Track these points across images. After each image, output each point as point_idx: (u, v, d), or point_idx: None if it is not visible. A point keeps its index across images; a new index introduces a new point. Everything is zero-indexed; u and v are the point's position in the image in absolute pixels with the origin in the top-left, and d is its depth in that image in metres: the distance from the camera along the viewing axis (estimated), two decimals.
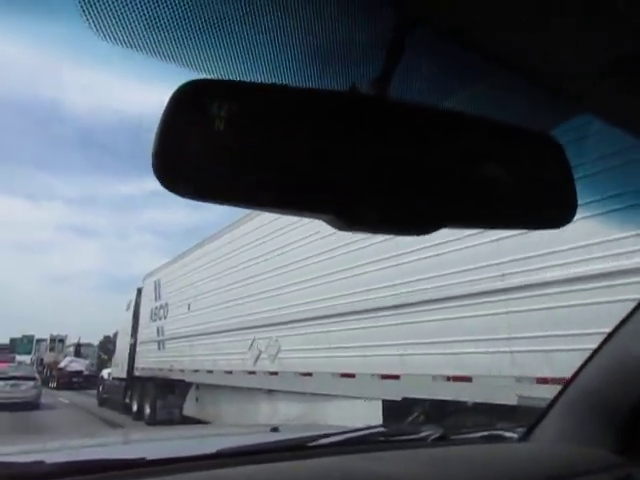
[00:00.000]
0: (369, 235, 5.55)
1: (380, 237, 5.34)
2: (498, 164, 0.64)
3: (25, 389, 16.14)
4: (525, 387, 3.95)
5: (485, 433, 1.60)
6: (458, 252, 4.66)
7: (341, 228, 0.56)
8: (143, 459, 0.96)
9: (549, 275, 3.92)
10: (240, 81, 0.60)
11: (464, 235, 4.46)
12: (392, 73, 0.61)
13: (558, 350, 3.74)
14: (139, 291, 14.88)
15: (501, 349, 4.23)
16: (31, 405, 15.60)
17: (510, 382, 4.12)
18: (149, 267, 13.98)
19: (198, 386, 10.43)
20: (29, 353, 40.69)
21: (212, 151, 0.51)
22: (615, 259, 3.51)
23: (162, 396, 11.97)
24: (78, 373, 26.90)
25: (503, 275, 4.29)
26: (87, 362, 28.41)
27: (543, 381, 3.82)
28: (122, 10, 0.54)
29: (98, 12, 0.53)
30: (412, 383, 5.01)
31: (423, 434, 1.48)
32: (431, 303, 4.93)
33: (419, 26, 0.60)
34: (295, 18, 0.59)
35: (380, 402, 5.37)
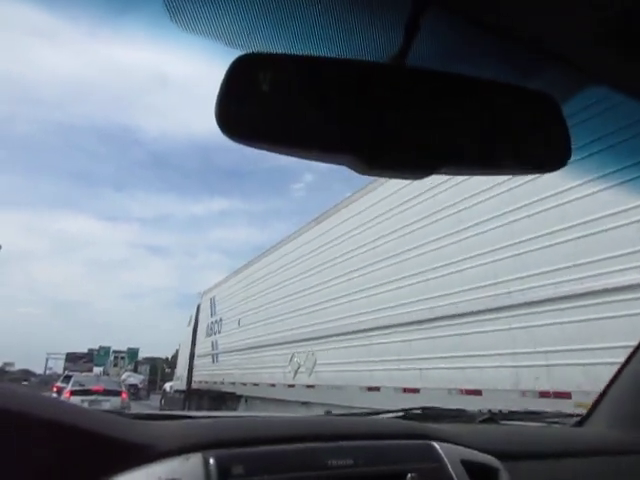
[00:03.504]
0: (402, 254, 5.90)
1: (415, 252, 5.68)
2: (497, 115, 0.73)
3: (110, 406, 14.19)
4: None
5: (536, 420, 1.70)
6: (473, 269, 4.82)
7: (361, 170, 0.68)
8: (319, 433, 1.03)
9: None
10: (282, 53, 0.71)
11: (477, 253, 4.65)
12: (409, 47, 0.71)
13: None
14: (198, 307, 15.71)
15: (506, 363, 4.33)
16: None
17: (516, 396, 4.20)
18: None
19: (247, 399, 10.88)
20: (105, 364, 42.31)
21: (260, 107, 0.63)
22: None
23: (216, 408, 12.51)
24: (134, 386, 31.44)
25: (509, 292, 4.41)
26: (142, 377, 33.31)
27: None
28: (201, 2, 0.67)
29: (180, 5, 0.66)
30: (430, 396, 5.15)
31: (469, 415, 1.59)
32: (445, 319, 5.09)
33: (432, 6, 0.70)
34: (326, 3, 0.71)
35: None
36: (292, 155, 0.67)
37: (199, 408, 13.52)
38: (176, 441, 0.89)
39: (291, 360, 8.47)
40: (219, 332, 13.19)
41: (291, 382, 8.41)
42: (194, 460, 0.85)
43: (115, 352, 41.99)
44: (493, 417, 1.52)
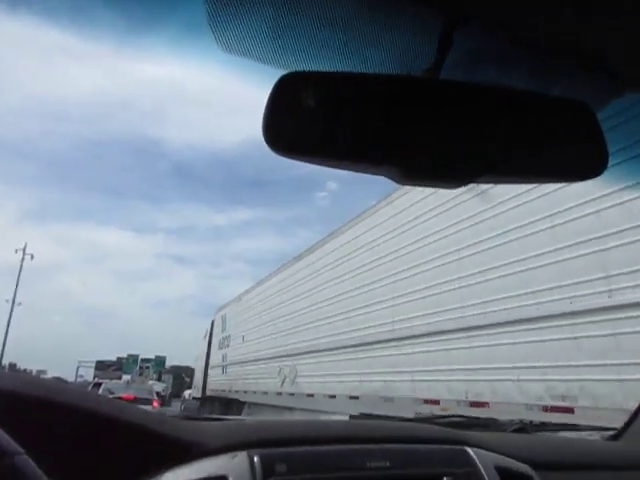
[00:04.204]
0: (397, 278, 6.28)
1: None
2: (531, 124, 0.74)
3: None
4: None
5: (569, 432, 1.70)
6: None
7: (399, 180, 0.72)
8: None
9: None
10: (323, 71, 0.73)
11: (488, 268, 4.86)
12: (442, 60, 0.75)
13: None
14: (212, 323, 17.57)
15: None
16: None
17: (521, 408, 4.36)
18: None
19: (249, 405, 12.62)
20: (132, 372, 42.15)
21: (304, 122, 0.68)
22: None
23: (225, 412, 14.28)
24: (157, 394, 33.08)
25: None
26: (164, 385, 34.75)
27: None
28: (243, 25, 0.72)
29: (222, 26, 0.71)
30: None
31: (501, 424, 1.61)
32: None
33: (464, 21, 0.73)
34: (361, 22, 0.75)
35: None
36: (333, 167, 0.72)
37: (211, 412, 15.31)
38: (223, 440, 0.94)
39: (279, 372, 10.20)
40: (228, 346, 15.01)
41: (279, 390, 10.13)
42: (240, 458, 0.89)
43: (143, 360, 42.31)
44: (525, 427, 1.55)
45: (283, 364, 10.09)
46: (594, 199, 3.88)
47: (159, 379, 37.74)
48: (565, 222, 4.17)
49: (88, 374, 39.99)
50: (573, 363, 3.96)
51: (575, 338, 3.95)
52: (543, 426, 1.92)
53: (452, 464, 1.02)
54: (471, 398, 5.07)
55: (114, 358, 43.44)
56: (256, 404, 11.87)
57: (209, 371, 16.96)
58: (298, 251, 10.63)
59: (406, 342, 6.18)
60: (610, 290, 3.73)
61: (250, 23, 0.72)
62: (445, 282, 5.56)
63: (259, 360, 11.68)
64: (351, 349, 7.47)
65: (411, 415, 4.94)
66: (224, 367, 15.17)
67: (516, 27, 0.75)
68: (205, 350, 17.65)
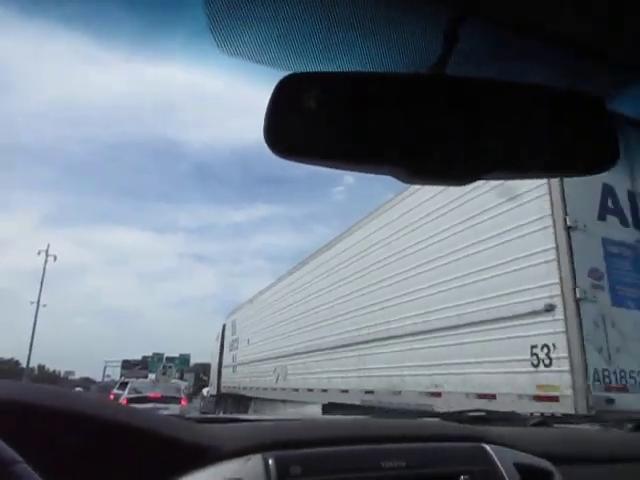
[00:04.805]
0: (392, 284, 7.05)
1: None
2: (540, 118, 0.72)
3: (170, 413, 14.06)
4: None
5: (591, 424, 1.76)
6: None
7: (405, 179, 0.70)
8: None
9: None
10: (325, 72, 0.72)
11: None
12: (448, 56, 0.72)
13: None
14: (224, 326, 19.46)
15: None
16: None
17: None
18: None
19: (254, 400, 14.41)
20: (156, 372, 43.07)
21: (306, 124, 0.67)
22: None
23: (236, 406, 16.10)
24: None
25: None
26: (186, 383, 35.87)
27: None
28: (244, 28, 0.71)
29: (224, 30, 0.70)
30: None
31: (522, 418, 1.66)
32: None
33: (470, 16, 0.71)
34: (363, 20, 0.73)
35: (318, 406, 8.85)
36: (337, 168, 0.70)
37: (225, 407, 17.19)
38: (237, 443, 0.94)
39: (274, 371, 11.98)
40: (237, 348, 16.85)
41: (274, 386, 11.90)
42: (255, 461, 0.89)
43: (168, 358, 40.80)
44: (546, 420, 1.56)
45: (277, 364, 11.87)
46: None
47: (181, 377, 38.80)
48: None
49: (115, 374, 40.53)
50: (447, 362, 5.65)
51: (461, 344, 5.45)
52: (565, 418, 1.97)
53: (470, 462, 1.02)
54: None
55: (140, 357, 43.11)
56: (259, 399, 13.65)
57: (222, 370, 18.84)
58: (315, 247, 10.97)
59: (362, 346, 7.87)
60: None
61: (250, 25, 0.72)
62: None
63: (261, 361, 13.47)
64: (320, 352, 9.22)
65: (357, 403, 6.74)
66: (234, 367, 17.03)
67: (521, 20, 0.74)
68: (218, 351, 19.55)
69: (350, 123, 0.67)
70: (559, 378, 4.20)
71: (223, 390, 18.32)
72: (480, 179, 0.71)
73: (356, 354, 7.90)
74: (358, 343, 7.85)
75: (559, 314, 4.25)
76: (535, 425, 1.53)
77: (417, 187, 6.20)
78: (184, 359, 41.48)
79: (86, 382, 42.13)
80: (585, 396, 3.98)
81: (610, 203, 4.66)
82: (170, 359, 41.29)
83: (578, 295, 4.16)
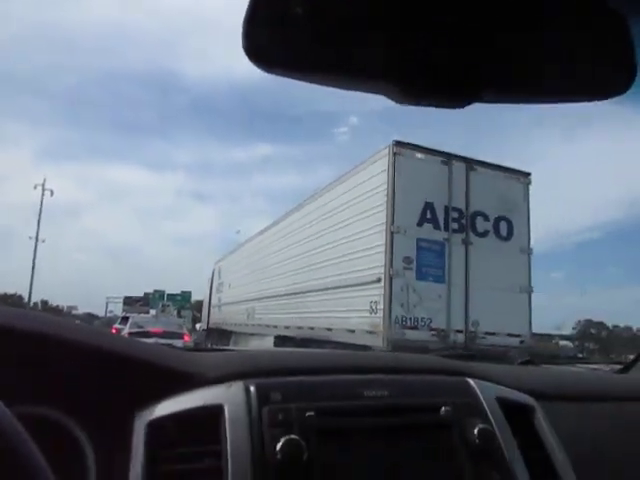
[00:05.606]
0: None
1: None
2: (548, 30, 0.63)
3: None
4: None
5: (580, 365, 1.82)
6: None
7: (398, 99, 0.62)
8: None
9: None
10: None
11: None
12: None
13: None
14: (213, 271, 22.59)
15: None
16: None
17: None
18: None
19: (234, 333, 17.70)
20: (157, 308, 42.05)
21: (291, 32, 0.59)
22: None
23: (221, 338, 19.33)
24: None
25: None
26: (182, 320, 37.17)
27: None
28: None
29: None
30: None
31: (510, 357, 1.94)
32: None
33: None
34: None
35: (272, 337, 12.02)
36: (325, 84, 0.62)
37: (212, 339, 20.53)
38: (220, 370, 0.96)
39: (246, 310, 15.16)
40: (222, 291, 20.03)
41: (246, 322, 15.11)
42: (236, 387, 0.91)
43: (169, 295, 42.27)
44: (533, 360, 1.59)
45: (248, 305, 15.02)
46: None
47: (179, 315, 40.49)
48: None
49: (117, 309, 40.31)
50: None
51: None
52: (554, 359, 2.01)
53: (452, 394, 1.02)
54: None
55: (141, 294, 43.08)
56: (236, 332, 16.94)
57: (211, 309, 22.17)
58: (317, 187, 11.46)
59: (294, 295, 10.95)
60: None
61: None
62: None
63: (238, 302, 16.62)
64: (275, 297, 12.33)
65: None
66: (219, 306, 20.30)
67: None
68: (208, 292, 22.80)
69: (339, 31, 0.60)
70: (380, 320, 7.31)
71: (211, 326, 21.67)
72: (480, 101, 0.64)
73: (293, 301, 11.02)
74: (295, 293, 10.93)
75: (383, 283, 7.34)
76: (522, 364, 1.57)
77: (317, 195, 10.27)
78: (186, 296, 41.32)
79: (89, 317, 42.36)
80: (390, 331, 7.06)
81: (428, 214, 7.58)
82: (172, 296, 41.37)
83: (391, 273, 7.29)
